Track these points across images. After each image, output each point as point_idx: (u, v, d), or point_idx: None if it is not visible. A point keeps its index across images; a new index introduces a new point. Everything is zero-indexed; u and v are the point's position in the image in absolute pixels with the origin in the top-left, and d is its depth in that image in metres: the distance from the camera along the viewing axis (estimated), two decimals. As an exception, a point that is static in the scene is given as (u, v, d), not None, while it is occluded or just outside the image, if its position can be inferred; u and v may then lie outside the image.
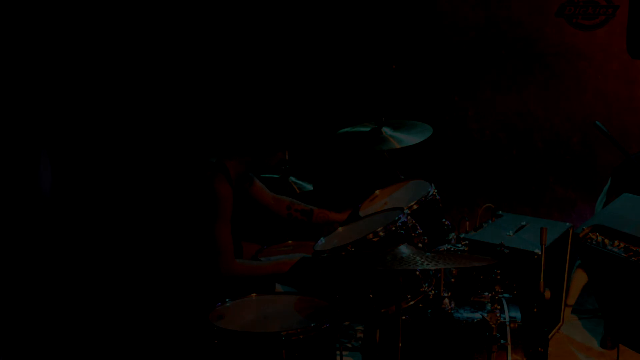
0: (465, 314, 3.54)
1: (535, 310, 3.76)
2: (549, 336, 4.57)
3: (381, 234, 3.57)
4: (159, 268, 4.66)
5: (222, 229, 3.83)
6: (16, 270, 4.42)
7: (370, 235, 3.57)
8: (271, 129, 3.99)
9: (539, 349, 3.65)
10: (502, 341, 3.33)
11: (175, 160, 5.11)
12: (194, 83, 5.36)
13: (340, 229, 4.03)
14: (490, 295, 3.55)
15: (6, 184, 4.40)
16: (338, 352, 3.51)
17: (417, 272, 3.58)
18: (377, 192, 4.54)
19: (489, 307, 3.49)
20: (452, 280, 3.71)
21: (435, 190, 4.14)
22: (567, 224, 4.61)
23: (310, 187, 4.83)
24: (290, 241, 4.43)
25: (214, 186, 3.83)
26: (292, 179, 4.83)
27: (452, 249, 3.84)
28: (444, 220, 4.15)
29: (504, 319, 3.41)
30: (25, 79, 4.55)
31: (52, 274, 4.58)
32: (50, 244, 4.59)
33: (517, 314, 3.48)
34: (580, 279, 4.83)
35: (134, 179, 5.03)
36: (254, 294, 3.59)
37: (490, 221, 4.67)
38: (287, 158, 4.24)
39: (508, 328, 3.38)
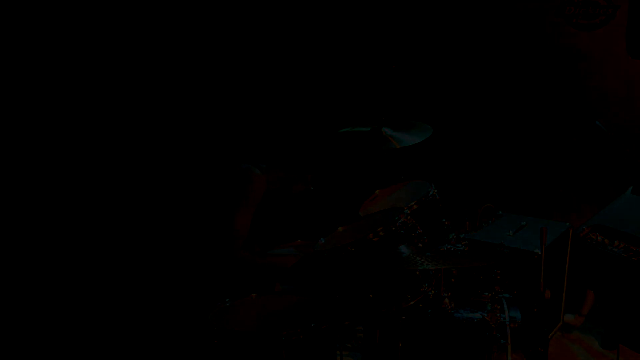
0: (465, 314, 3.54)
1: (535, 310, 3.76)
2: (549, 336, 4.57)
3: (381, 234, 3.57)
4: (161, 267, 4.66)
5: (244, 215, 3.95)
6: (17, 263, 4.43)
7: (371, 235, 3.57)
8: (303, 148, 4.23)
9: (539, 349, 3.65)
10: (502, 341, 3.33)
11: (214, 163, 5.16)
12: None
13: (340, 229, 4.04)
14: (490, 295, 3.56)
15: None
16: (338, 352, 3.51)
17: (417, 272, 3.58)
18: (377, 192, 4.54)
19: (489, 307, 3.49)
20: (452, 280, 3.71)
21: (435, 190, 4.14)
22: (567, 224, 4.61)
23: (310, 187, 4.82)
24: (299, 240, 4.44)
25: (251, 172, 4.05)
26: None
27: (452, 249, 3.84)
28: (444, 220, 4.15)
29: (504, 319, 3.41)
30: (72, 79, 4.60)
31: (52, 272, 4.58)
32: (52, 241, 4.60)
33: (517, 314, 3.49)
34: None
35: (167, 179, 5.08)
36: (254, 294, 3.59)
37: (490, 221, 4.67)
38: (311, 188, 4.36)
39: (508, 328, 3.38)
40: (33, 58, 4.44)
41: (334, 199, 5.24)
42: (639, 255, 3.32)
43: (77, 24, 4.60)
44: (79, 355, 4.32)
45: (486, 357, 3.34)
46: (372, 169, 5.41)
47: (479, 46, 5.65)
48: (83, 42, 4.63)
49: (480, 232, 4.48)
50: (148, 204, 4.98)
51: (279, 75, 5.69)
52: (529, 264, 4.14)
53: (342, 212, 4.57)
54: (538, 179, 5.72)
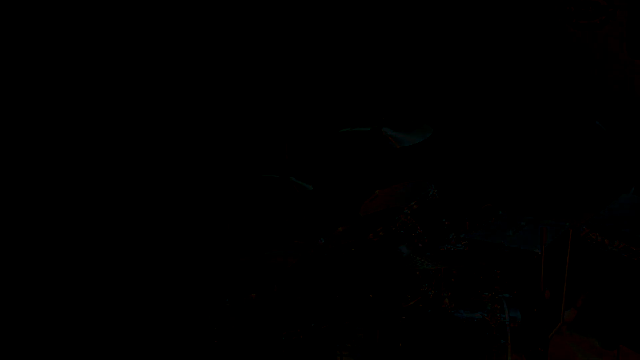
0: (465, 314, 3.54)
1: (535, 310, 3.76)
2: (549, 336, 4.57)
3: (381, 234, 3.57)
4: (161, 267, 4.66)
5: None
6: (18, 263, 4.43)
7: (370, 235, 3.57)
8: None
9: (539, 349, 3.65)
10: (502, 341, 3.33)
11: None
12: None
13: (340, 228, 4.04)
14: (490, 295, 3.56)
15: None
16: (338, 352, 3.51)
17: (417, 272, 3.58)
18: (377, 192, 4.54)
19: (489, 307, 3.49)
20: (452, 280, 3.71)
21: (435, 190, 4.14)
22: (567, 224, 4.61)
23: (310, 187, 4.82)
24: (296, 241, 4.44)
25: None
26: (292, 179, 4.82)
27: (452, 249, 3.84)
28: (444, 220, 4.15)
29: (504, 319, 3.41)
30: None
31: (53, 271, 4.59)
32: (53, 241, 4.61)
33: (517, 314, 3.49)
34: None
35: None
36: (254, 294, 3.59)
37: (490, 221, 4.67)
38: (287, 157, 4.29)
39: (508, 328, 3.38)
40: (33, 58, 4.44)
41: (334, 199, 5.24)
42: (639, 255, 3.31)
43: (77, 24, 4.61)
44: (79, 355, 4.32)
45: (486, 357, 3.34)
46: (372, 169, 5.41)
47: (478, 47, 5.65)
48: (83, 43, 4.64)
49: (480, 232, 4.48)
50: (149, 205, 4.98)
51: (278, 76, 5.69)
52: (529, 264, 4.14)
53: (342, 212, 4.58)
54: (538, 179, 5.72)
